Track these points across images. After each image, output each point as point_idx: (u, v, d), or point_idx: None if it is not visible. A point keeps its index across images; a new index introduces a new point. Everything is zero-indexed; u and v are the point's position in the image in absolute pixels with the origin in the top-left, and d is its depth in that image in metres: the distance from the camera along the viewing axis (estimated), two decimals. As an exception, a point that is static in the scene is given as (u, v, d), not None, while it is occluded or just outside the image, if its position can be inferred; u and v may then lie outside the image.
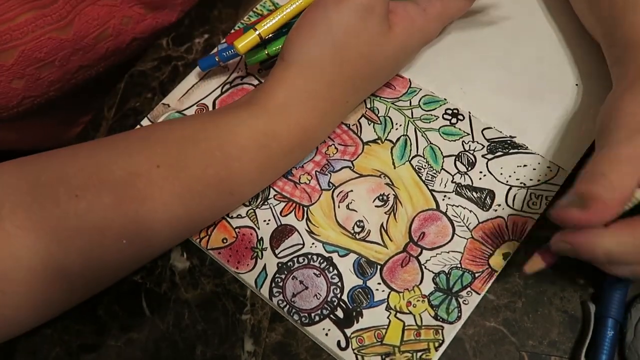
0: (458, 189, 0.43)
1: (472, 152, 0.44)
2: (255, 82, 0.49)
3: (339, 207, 0.43)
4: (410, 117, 0.46)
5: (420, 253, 0.41)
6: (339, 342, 0.39)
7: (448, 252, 0.41)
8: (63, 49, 0.48)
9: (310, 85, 0.41)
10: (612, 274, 0.36)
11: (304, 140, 0.42)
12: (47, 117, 0.57)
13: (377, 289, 0.40)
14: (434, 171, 0.43)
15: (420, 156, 0.44)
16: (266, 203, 0.44)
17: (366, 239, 0.42)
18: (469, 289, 0.40)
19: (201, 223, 0.42)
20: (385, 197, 0.43)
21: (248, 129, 0.40)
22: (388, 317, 0.40)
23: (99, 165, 0.38)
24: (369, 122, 0.46)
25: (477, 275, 0.40)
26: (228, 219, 0.44)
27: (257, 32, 0.42)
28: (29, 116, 0.53)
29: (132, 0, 0.50)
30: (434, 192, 0.43)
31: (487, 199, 0.42)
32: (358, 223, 0.43)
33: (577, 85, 0.45)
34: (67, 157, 0.39)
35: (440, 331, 0.39)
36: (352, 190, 0.44)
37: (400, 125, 0.45)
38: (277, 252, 0.42)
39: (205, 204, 0.40)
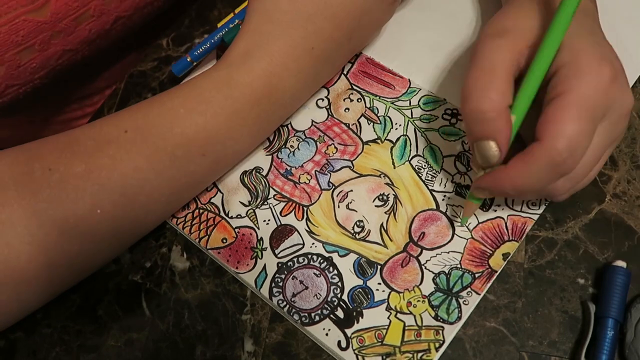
0: (458, 189, 0.43)
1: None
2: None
3: (338, 207, 0.43)
4: (410, 117, 0.46)
5: (420, 253, 0.41)
6: (339, 342, 0.39)
7: (448, 252, 0.41)
8: (41, 32, 0.46)
9: (268, 28, 0.41)
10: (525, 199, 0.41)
11: (270, 90, 0.41)
12: (39, 113, 0.56)
13: (377, 289, 0.40)
14: (434, 171, 0.43)
15: (420, 156, 0.44)
16: (266, 203, 0.44)
17: (366, 239, 0.42)
18: (469, 289, 0.40)
19: (178, 190, 0.41)
20: (385, 197, 0.43)
21: (210, 81, 0.40)
22: (388, 318, 0.40)
23: (70, 140, 0.39)
24: (369, 122, 0.46)
25: (477, 275, 0.40)
26: (228, 219, 0.44)
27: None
28: (19, 109, 0.52)
29: None
30: (433, 192, 0.43)
31: (487, 199, 0.42)
32: (358, 223, 0.43)
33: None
34: (46, 139, 0.40)
35: (440, 332, 0.39)
36: (352, 190, 0.44)
37: (400, 125, 0.45)
38: (277, 252, 0.42)
39: (176, 165, 0.39)
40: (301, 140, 0.46)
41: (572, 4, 0.35)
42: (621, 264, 0.39)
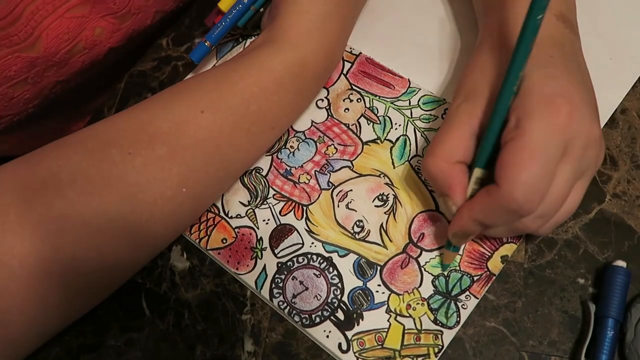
0: (458, 189, 0.43)
1: (471, 152, 0.44)
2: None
3: (338, 206, 0.43)
4: (410, 116, 0.46)
5: (420, 254, 0.41)
6: (340, 344, 0.39)
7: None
8: (34, 67, 0.46)
9: (322, 8, 0.42)
10: (495, 236, 0.41)
11: (329, 64, 0.44)
12: (38, 130, 0.56)
13: (377, 291, 0.40)
14: (434, 172, 0.43)
15: (420, 156, 0.44)
16: (265, 202, 0.44)
17: (366, 239, 0.42)
18: (467, 292, 0.40)
19: (249, 160, 0.43)
20: (384, 197, 0.43)
21: (278, 63, 0.41)
22: (388, 320, 0.40)
23: (141, 123, 0.39)
24: (369, 122, 0.46)
25: (475, 278, 0.40)
26: (227, 218, 0.44)
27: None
28: (16, 131, 0.52)
29: (102, 10, 0.49)
30: (433, 193, 0.43)
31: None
32: (357, 223, 0.43)
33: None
34: (107, 122, 0.40)
35: (439, 336, 0.39)
36: (351, 190, 0.44)
37: (400, 125, 0.45)
38: (276, 251, 0.42)
39: (252, 140, 0.41)
40: (301, 140, 0.46)
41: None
42: (621, 263, 0.39)
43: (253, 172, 0.45)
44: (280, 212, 0.44)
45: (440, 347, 0.39)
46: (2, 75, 0.45)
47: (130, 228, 0.37)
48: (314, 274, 0.41)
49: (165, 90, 0.42)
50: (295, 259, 0.42)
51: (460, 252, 0.41)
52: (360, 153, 0.45)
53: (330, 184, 0.44)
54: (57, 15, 0.45)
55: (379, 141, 0.45)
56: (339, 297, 0.41)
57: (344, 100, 0.47)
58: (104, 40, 0.50)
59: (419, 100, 0.46)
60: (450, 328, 0.39)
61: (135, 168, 0.37)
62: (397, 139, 0.45)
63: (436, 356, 0.39)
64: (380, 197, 0.43)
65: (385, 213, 0.43)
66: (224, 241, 0.43)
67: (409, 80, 0.47)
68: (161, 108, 0.40)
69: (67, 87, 0.51)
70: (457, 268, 0.40)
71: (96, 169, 0.37)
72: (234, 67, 0.41)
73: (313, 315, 0.40)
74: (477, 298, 0.40)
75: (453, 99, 0.40)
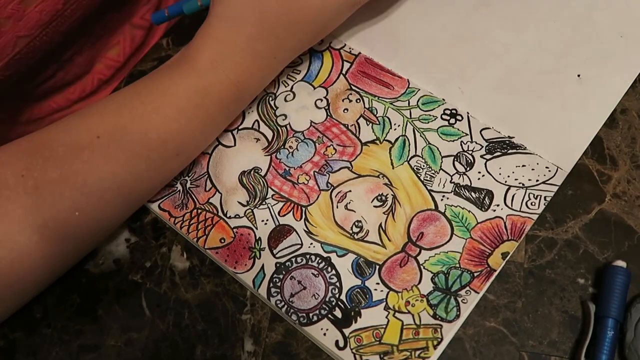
0: (457, 189, 0.43)
1: (470, 152, 0.44)
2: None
3: (337, 207, 0.43)
4: (409, 117, 0.46)
5: (419, 253, 0.41)
6: (337, 341, 0.39)
7: (447, 252, 0.41)
8: None
9: (234, 39, 0.41)
10: None
11: (238, 96, 0.43)
12: (8, 110, 0.54)
13: (375, 289, 0.40)
14: (433, 171, 0.43)
15: (419, 156, 0.44)
16: (264, 203, 0.44)
17: (364, 239, 0.42)
18: (467, 288, 0.40)
19: (151, 188, 0.43)
20: (383, 197, 0.43)
21: (181, 90, 0.41)
22: (386, 317, 0.40)
23: (40, 145, 0.39)
24: (368, 123, 0.46)
25: (475, 274, 0.40)
26: (226, 218, 0.44)
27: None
28: None
29: None
30: (432, 192, 0.43)
31: (486, 199, 0.42)
32: (356, 223, 0.43)
33: (578, 79, 0.45)
34: (10, 145, 0.40)
35: (438, 330, 0.39)
36: (350, 191, 0.44)
37: (399, 126, 0.45)
38: (275, 252, 0.42)
39: (152, 168, 0.41)
40: (300, 141, 0.46)
41: None
42: (621, 264, 0.39)
43: (252, 172, 0.45)
44: (279, 212, 0.44)
45: (439, 339, 0.39)
46: None
47: (19, 251, 0.38)
48: (312, 273, 0.41)
49: (74, 113, 0.42)
50: (293, 259, 0.42)
51: (460, 250, 0.41)
52: (360, 153, 0.45)
53: (329, 185, 0.44)
54: None
55: (378, 142, 0.45)
56: (337, 295, 0.41)
57: (343, 100, 0.47)
58: None
59: (418, 101, 0.46)
60: (449, 322, 0.39)
61: (26, 191, 0.37)
62: (396, 139, 0.45)
63: (435, 348, 0.38)
64: (379, 197, 0.43)
65: (384, 213, 0.43)
66: (222, 241, 0.43)
67: (408, 81, 0.47)
68: (60, 130, 0.40)
69: (33, 45, 0.49)
70: (457, 265, 0.40)
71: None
72: (139, 89, 0.41)
73: (310, 314, 0.40)
74: (478, 293, 0.40)
75: None
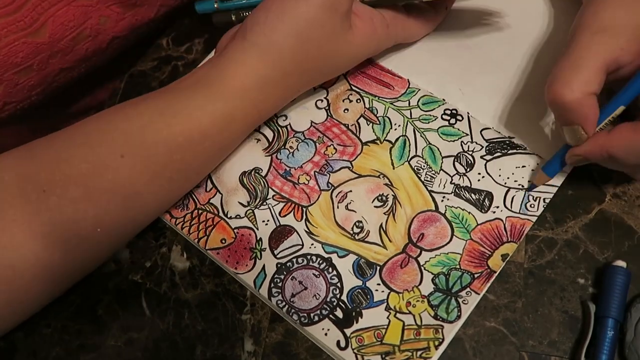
0: (457, 190, 0.43)
1: (470, 152, 0.44)
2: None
3: (337, 207, 0.43)
4: (409, 117, 0.46)
5: (420, 254, 0.41)
6: (338, 342, 0.39)
7: (447, 254, 0.41)
8: (40, 53, 0.47)
9: (269, 72, 0.41)
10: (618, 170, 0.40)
11: (258, 121, 0.44)
12: (41, 123, 0.56)
13: (376, 290, 0.40)
14: (433, 172, 0.43)
15: (419, 156, 0.44)
16: (265, 203, 0.44)
17: (365, 240, 0.42)
18: (468, 289, 0.40)
19: (171, 203, 0.44)
20: (384, 198, 0.43)
21: (208, 115, 0.40)
22: (388, 317, 0.40)
23: (59, 160, 0.38)
24: (368, 123, 0.46)
25: (476, 275, 0.40)
26: (227, 219, 0.44)
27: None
28: (19, 122, 0.52)
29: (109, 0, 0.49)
30: (432, 193, 0.43)
31: (486, 200, 0.42)
32: (357, 223, 0.43)
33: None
34: (25, 155, 0.40)
35: (440, 330, 0.39)
36: (351, 191, 0.44)
37: (399, 126, 0.45)
38: (276, 252, 0.42)
39: (175, 187, 0.42)
40: (300, 141, 0.46)
41: None
42: (621, 264, 0.39)
43: (252, 173, 0.45)
44: (279, 213, 0.44)
45: (440, 340, 0.39)
46: (9, 61, 0.45)
47: (42, 267, 0.38)
48: (313, 274, 0.41)
49: (91, 121, 0.41)
50: (294, 260, 0.42)
51: (461, 252, 0.41)
52: (360, 153, 0.45)
53: (330, 185, 0.44)
54: (65, 3, 0.46)
55: (378, 142, 0.45)
56: (338, 296, 0.41)
57: (343, 100, 0.47)
58: (108, 29, 0.50)
59: (418, 101, 0.46)
60: (450, 322, 0.39)
61: (49, 207, 0.37)
62: (397, 139, 0.45)
63: (436, 349, 0.39)
64: (379, 197, 0.43)
65: (384, 213, 0.43)
66: (223, 241, 0.43)
67: (408, 81, 0.47)
68: (81, 145, 0.39)
69: (70, 76, 0.52)
70: (458, 266, 0.40)
71: (8, 205, 0.37)
72: (162, 109, 0.40)
73: (311, 314, 0.40)
74: (478, 294, 0.40)
75: (578, 31, 0.38)
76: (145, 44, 0.54)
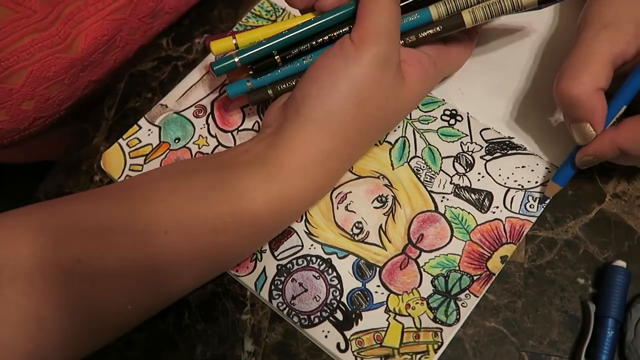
0: (456, 190, 0.43)
1: (470, 153, 0.44)
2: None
3: (337, 208, 0.43)
4: (409, 118, 0.45)
5: (419, 255, 0.41)
6: (338, 344, 0.39)
7: (446, 255, 0.41)
8: (72, 67, 0.47)
9: (330, 144, 0.38)
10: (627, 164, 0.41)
11: (315, 200, 0.42)
12: (53, 134, 0.57)
13: (376, 292, 0.40)
14: (433, 172, 0.43)
15: (419, 157, 0.44)
16: (265, 205, 0.44)
17: (365, 241, 0.42)
18: (467, 291, 0.40)
19: (199, 284, 0.41)
20: (384, 199, 0.43)
21: (262, 195, 0.37)
22: (387, 320, 0.40)
23: (99, 226, 0.36)
24: (368, 123, 0.46)
25: (475, 278, 0.40)
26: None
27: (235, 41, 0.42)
28: (38, 135, 0.52)
29: (141, 11, 0.49)
30: (432, 194, 0.43)
31: (485, 201, 0.42)
32: (357, 224, 0.43)
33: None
34: (66, 215, 0.37)
35: (439, 333, 0.39)
36: (350, 192, 0.44)
37: (399, 127, 0.45)
38: (276, 254, 0.42)
39: (214, 269, 0.40)
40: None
41: None
42: (621, 264, 0.39)
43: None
44: (280, 213, 0.44)
45: (439, 343, 0.39)
46: (41, 75, 0.45)
47: (67, 336, 0.35)
48: (314, 275, 0.41)
49: (136, 186, 0.38)
50: (294, 261, 0.42)
51: (460, 253, 0.41)
52: (360, 154, 0.45)
53: (330, 185, 0.44)
54: (99, 18, 0.46)
55: (377, 143, 0.45)
56: (338, 298, 0.41)
57: (343, 100, 0.47)
58: (136, 39, 0.50)
59: (418, 101, 0.46)
60: (449, 325, 0.39)
61: (82, 279, 0.34)
62: (396, 140, 0.45)
63: (435, 352, 0.39)
64: (379, 198, 0.43)
65: (384, 214, 0.43)
66: (224, 242, 0.43)
67: (408, 81, 0.47)
68: (122, 212, 0.36)
69: (97, 88, 0.52)
70: (457, 268, 0.40)
71: (45, 273, 0.34)
72: (213, 183, 0.38)
73: (312, 316, 0.40)
74: (477, 297, 0.40)
75: (584, 28, 0.39)
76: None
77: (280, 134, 0.39)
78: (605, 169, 0.43)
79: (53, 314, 0.34)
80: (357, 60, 0.37)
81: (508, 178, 0.43)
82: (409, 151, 0.44)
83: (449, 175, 0.43)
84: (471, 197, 0.42)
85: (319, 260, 0.42)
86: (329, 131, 0.38)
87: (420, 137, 0.45)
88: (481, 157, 0.43)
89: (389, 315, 0.40)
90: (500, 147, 0.44)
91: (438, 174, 0.43)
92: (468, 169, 0.43)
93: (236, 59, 0.41)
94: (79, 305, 0.34)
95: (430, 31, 0.41)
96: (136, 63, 0.51)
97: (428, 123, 0.45)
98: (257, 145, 0.39)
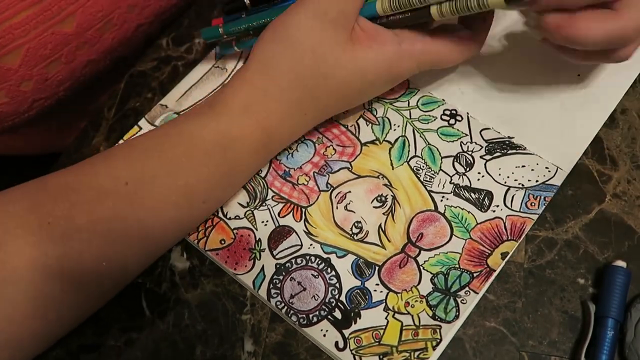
0: (456, 189, 0.43)
1: (470, 152, 0.44)
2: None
3: (337, 208, 0.43)
4: (409, 117, 0.45)
5: (419, 254, 0.41)
6: (336, 342, 0.39)
7: (446, 253, 0.41)
8: (68, 43, 0.46)
9: (270, 85, 0.40)
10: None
11: (267, 142, 0.42)
12: (52, 121, 0.57)
13: (375, 290, 0.40)
14: (432, 172, 0.43)
15: (419, 157, 0.44)
16: (264, 204, 0.44)
17: (364, 240, 0.42)
18: (467, 288, 0.40)
19: (177, 236, 0.42)
20: (383, 198, 0.43)
21: (211, 133, 0.39)
22: (386, 318, 0.40)
23: (65, 188, 0.38)
24: (367, 123, 0.46)
25: (475, 275, 0.40)
26: (226, 220, 0.44)
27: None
28: (37, 120, 0.53)
29: None
30: (432, 193, 0.43)
31: (486, 199, 0.42)
32: (356, 224, 0.43)
33: (577, 80, 0.45)
34: (35, 186, 0.39)
35: (438, 330, 0.39)
36: (350, 191, 0.44)
37: (399, 126, 0.45)
38: (275, 253, 0.42)
39: (179, 215, 0.40)
40: (300, 142, 0.46)
41: None
42: (621, 264, 0.39)
43: (252, 174, 0.45)
44: (279, 213, 0.44)
45: (438, 340, 0.39)
46: (38, 53, 0.45)
47: (44, 300, 0.36)
48: (312, 274, 0.41)
49: (101, 152, 0.41)
50: (293, 260, 0.42)
51: (460, 251, 0.41)
52: (359, 154, 0.45)
53: (329, 186, 0.44)
54: None
55: (377, 142, 0.45)
56: (336, 296, 0.41)
57: (343, 101, 0.47)
58: (134, 16, 0.50)
59: (418, 101, 0.46)
60: (449, 322, 0.39)
61: (53, 239, 0.36)
62: (396, 140, 0.45)
63: (434, 349, 0.39)
64: (378, 198, 0.43)
65: (383, 214, 0.43)
66: (223, 242, 0.43)
67: (408, 81, 0.47)
68: (87, 174, 0.39)
69: (96, 69, 0.52)
70: (457, 266, 0.40)
71: (11, 236, 0.36)
72: (167, 131, 0.40)
73: (310, 315, 0.40)
74: (477, 293, 0.40)
75: None
76: (145, 44, 0.55)
77: (232, 77, 0.42)
78: (605, 170, 0.43)
79: (29, 277, 0.36)
80: (298, 9, 0.40)
81: (508, 177, 0.43)
82: (409, 151, 0.44)
83: (448, 175, 0.43)
84: (471, 196, 0.42)
85: (317, 259, 0.42)
86: (268, 72, 0.40)
87: (420, 136, 0.45)
88: (481, 157, 0.43)
89: (388, 313, 0.40)
90: (500, 147, 0.44)
91: (438, 174, 0.43)
92: (468, 169, 0.43)
93: (220, 29, 0.47)
94: (51, 266, 0.36)
95: (399, 16, 0.41)
96: (136, 62, 0.52)
97: (428, 123, 0.45)
98: (212, 95, 0.43)
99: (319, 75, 0.40)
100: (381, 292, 0.40)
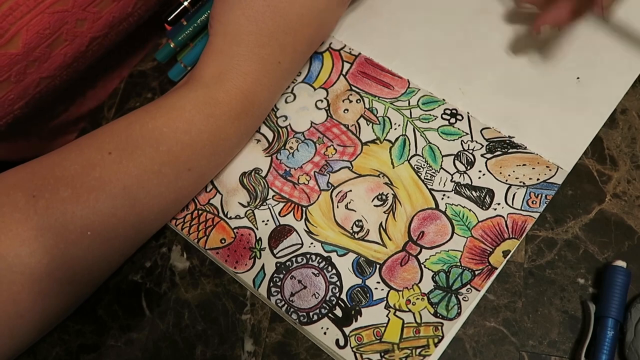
0: (457, 188, 0.43)
1: (471, 151, 0.44)
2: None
3: (337, 207, 0.43)
4: (409, 117, 0.46)
5: (420, 252, 0.41)
6: (337, 340, 0.39)
7: (447, 251, 0.41)
8: (16, 64, 0.45)
9: (236, 49, 0.42)
10: None
11: (247, 106, 0.43)
12: (33, 133, 0.56)
13: (376, 288, 0.40)
14: (433, 170, 0.43)
15: (419, 155, 0.44)
16: (265, 203, 0.44)
17: (365, 239, 0.42)
18: (468, 286, 0.40)
19: (164, 207, 0.42)
20: (384, 197, 0.43)
21: (190, 102, 0.41)
22: (387, 315, 0.40)
23: (51, 165, 0.39)
24: (368, 123, 0.46)
25: (476, 272, 0.40)
26: (226, 219, 0.44)
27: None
28: (10, 135, 0.52)
29: (84, 2, 0.47)
30: (433, 191, 0.43)
31: (487, 197, 0.42)
32: (357, 223, 0.43)
33: (577, 81, 0.45)
34: (21, 166, 0.40)
35: (439, 327, 0.39)
36: (350, 190, 0.44)
37: (399, 125, 0.45)
38: (275, 252, 0.42)
39: (164, 183, 0.40)
40: (300, 141, 0.46)
41: None
42: (621, 264, 0.39)
43: (252, 173, 0.45)
44: (279, 213, 0.44)
45: (440, 337, 0.39)
46: None
47: (30, 275, 0.37)
48: (313, 273, 0.41)
49: (85, 135, 0.42)
50: (294, 259, 0.42)
51: (461, 249, 0.41)
52: (360, 153, 0.45)
53: (330, 185, 0.44)
54: (39, 11, 0.45)
55: (378, 141, 0.45)
56: (337, 294, 0.41)
57: (343, 101, 0.47)
58: (85, 30, 0.49)
59: (418, 101, 0.46)
60: (450, 319, 0.39)
61: (37, 212, 0.37)
62: (397, 139, 0.45)
63: (436, 346, 0.39)
64: (379, 196, 0.43)
65: (384, 212, 0.43)
66: (223, 241, 0.43)
67: (408, 81, 0.47)
68: (72, 150, 0.40)
69: (53, 85, 0.50)
70: (458, 264, 0.40)
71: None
72: (148, 108, 0.42)
73: (311, 313, 0.40)
74: (479, 291, 0.40)
75: None
76: (131, 39, 0.54)
77: (200, 57, 0.44)
78: (605, 170, 0.43)
79: (15, 250, 0.36)
80: None
81: (509, 175, 0.43)
82: (409, 149, 0.44)
83: (449, 173, 0.43)
84: (472, 194, 0.42)
85: (318, 258, 0.42)
86: (231, 38, 0.42)
87: (421, 135, 0.45)
88: (482, 156, 0.44)
89: (389, 311, 0.40)
90: (501, 146, 0.44)
91: (438, 172, 0.43)
92: (469, 167, 0.43)
93: (171, 44, 0.49)
94: (37, 237, 0.37)
95: None
96: (135, 63, 0.52)
97: (428, 122, 0.45)
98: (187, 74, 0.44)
99: (279, 20, 0.42)
100: (382, 290, 0.40)
